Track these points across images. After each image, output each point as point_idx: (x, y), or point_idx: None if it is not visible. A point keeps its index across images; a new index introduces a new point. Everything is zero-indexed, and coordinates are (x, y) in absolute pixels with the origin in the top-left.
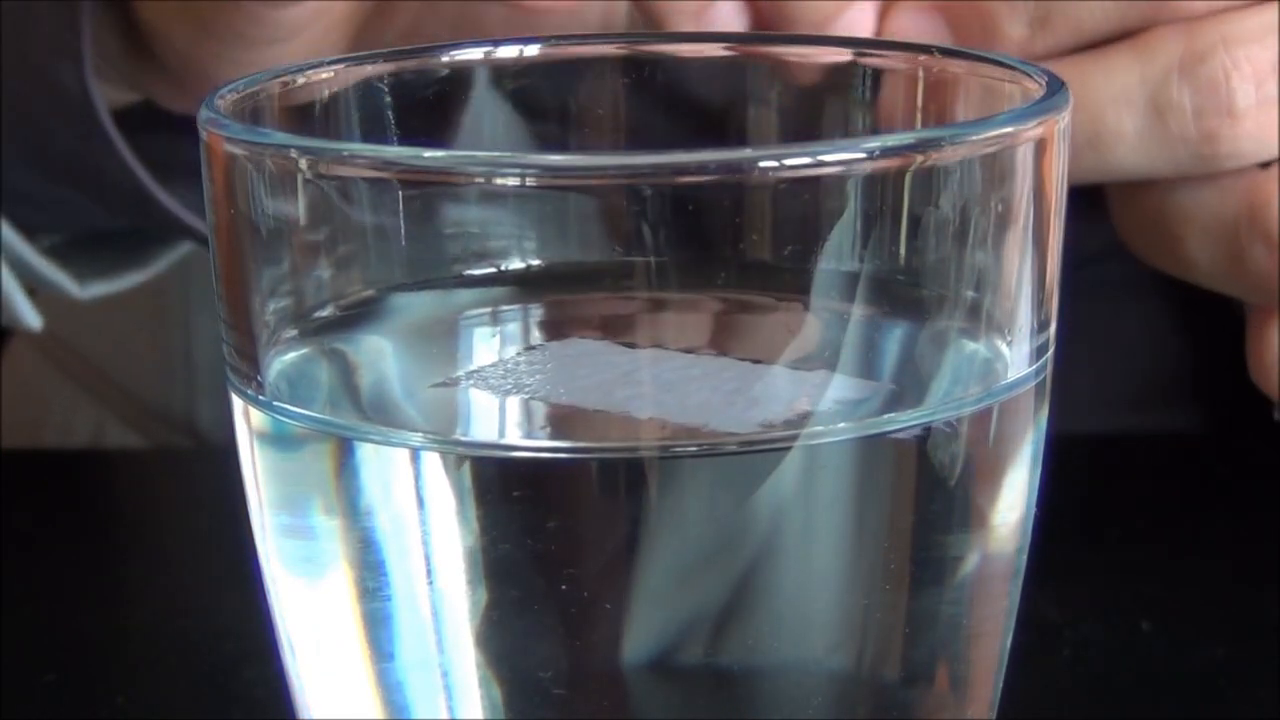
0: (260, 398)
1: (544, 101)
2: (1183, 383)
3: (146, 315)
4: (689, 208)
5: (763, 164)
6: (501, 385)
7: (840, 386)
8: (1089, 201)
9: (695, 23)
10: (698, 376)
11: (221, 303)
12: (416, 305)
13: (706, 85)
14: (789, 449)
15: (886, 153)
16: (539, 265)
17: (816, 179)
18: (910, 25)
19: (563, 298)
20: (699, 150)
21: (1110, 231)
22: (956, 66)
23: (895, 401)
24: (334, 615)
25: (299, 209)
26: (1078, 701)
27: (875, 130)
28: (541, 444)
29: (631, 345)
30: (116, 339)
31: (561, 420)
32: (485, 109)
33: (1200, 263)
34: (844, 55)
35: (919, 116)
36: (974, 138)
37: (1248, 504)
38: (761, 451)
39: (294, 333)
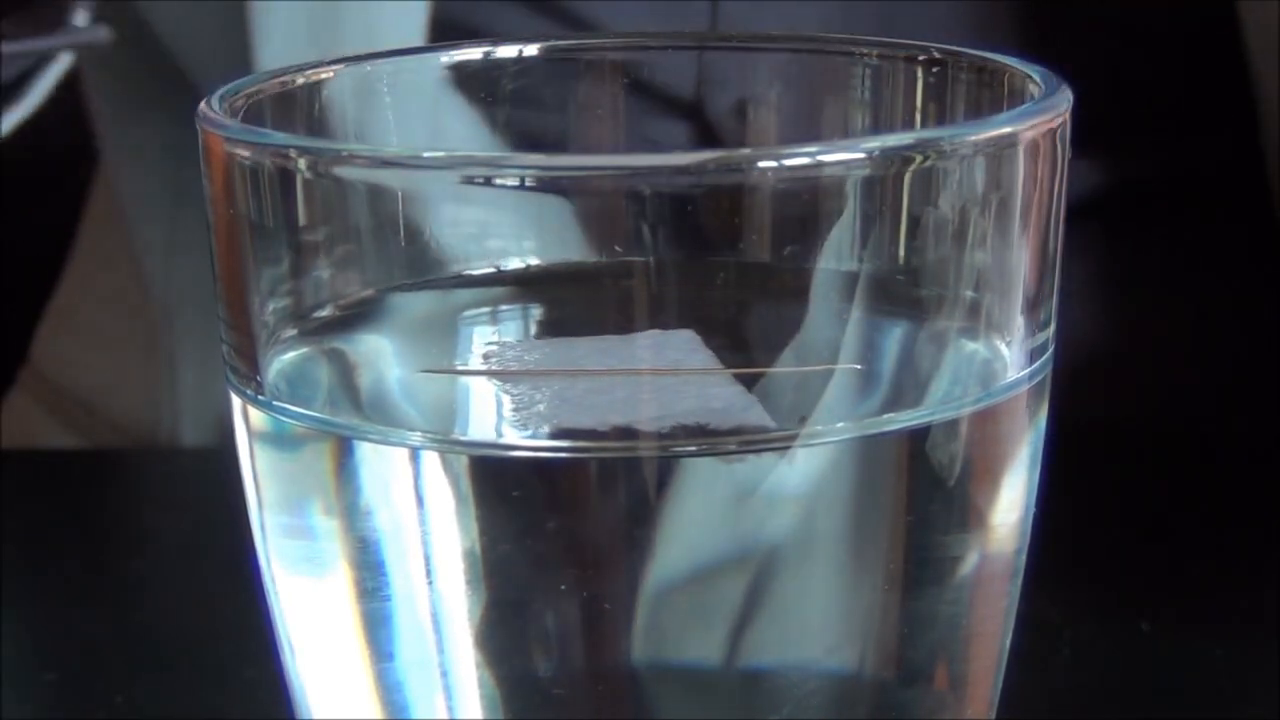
0: (259, 397)
1: (543, 101)
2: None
3: (132, 346)
4: (688, 208)
5: (762, 164)
6: (499, 384)
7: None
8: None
9: None
10: (697, 376)
11: (221, 303)
12: (415, 305)
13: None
14: (789, 449)
15: (886, 153)
16: (539, 265)
17: (816, 179)
18: None
19: (562, 297)
20: (699, 150)
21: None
22: (956, 66)
23: (895, 401)
24: (334, 615)
25: (298, 209)
26: (1078, 701)
27: (875, 130)
28: (541, 444)
29: (631, 345)
30: (101, 371)
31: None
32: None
33: None
34: (844, 55)
35: (919, 116)
36: (974, 138)
37: (1248, 504)
38: (761, 451)
39: (293, 332)
